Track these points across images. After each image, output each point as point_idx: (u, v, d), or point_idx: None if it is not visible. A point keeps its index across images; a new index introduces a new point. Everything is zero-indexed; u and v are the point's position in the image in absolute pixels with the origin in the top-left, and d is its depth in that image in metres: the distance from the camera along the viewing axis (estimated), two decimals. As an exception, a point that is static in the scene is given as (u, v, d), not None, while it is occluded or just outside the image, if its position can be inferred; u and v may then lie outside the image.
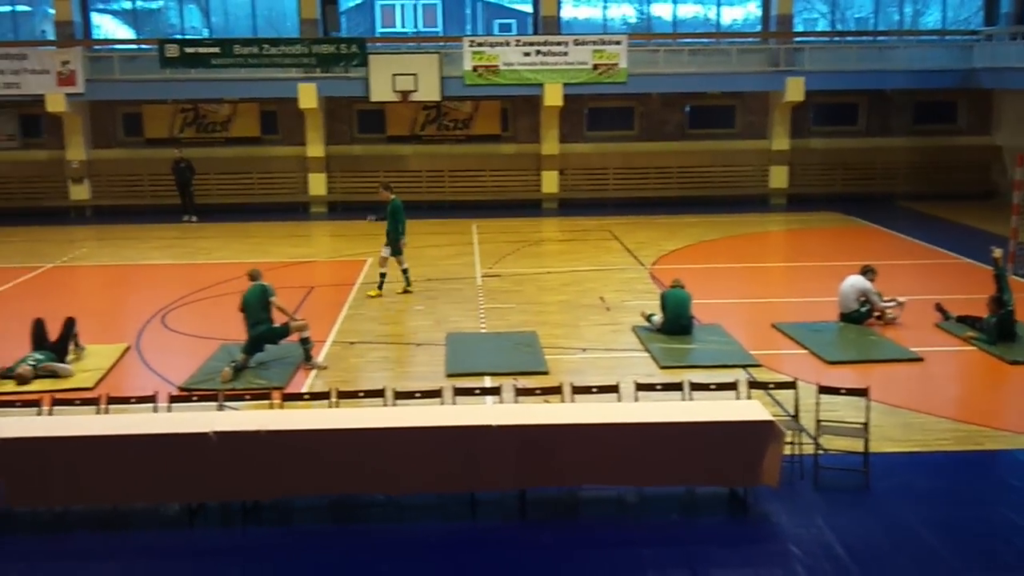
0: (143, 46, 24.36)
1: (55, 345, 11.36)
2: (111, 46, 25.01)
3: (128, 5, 25.73)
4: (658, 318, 12.54)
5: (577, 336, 12.70)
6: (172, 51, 22.60)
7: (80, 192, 24.13)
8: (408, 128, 24.57)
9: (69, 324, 11.61)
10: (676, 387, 9.02)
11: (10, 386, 10.46)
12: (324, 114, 24.02)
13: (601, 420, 8.02)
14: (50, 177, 24.18)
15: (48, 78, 22.72)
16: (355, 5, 31.11)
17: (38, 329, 11.43)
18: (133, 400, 8.83)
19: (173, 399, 8.95)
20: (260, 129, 24.47)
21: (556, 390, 9.02)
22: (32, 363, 10.88)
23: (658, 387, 9.10)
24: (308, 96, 22.81)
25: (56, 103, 22.74)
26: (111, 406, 8.68)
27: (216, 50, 22.71)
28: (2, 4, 25.24)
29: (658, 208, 23.62)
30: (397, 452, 7.88)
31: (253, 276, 11.53)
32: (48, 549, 7.71)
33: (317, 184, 24.25)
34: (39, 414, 8.61)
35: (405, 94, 22.87)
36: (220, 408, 8.65)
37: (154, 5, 26.73)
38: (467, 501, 8.13)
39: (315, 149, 24.08)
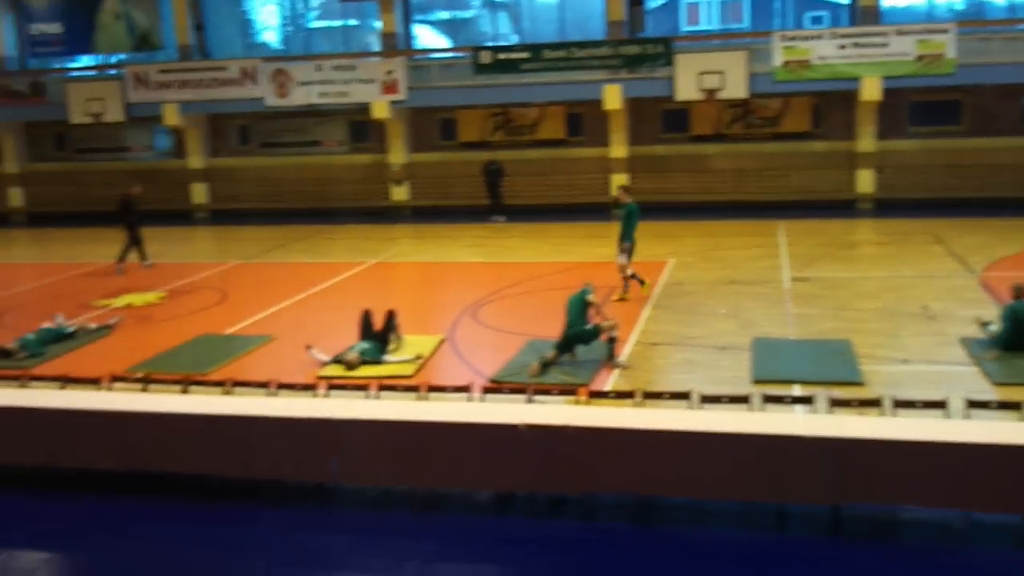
0: (458, 54, 25.66)
1: (379, 335, 12.17)
2: (429, 55, 26.58)
3: (445, 16, 27.22)
4: (995, 327, 11.43)
5: (896, 346, 11.87)
6: (485, 58, 23.63)
7: (400, 193, 25.82)
8: (713, 127, 24.17)
9: (390, 316, 12.38)
10: (1014, 406, 8.17)
11: (340, 371, 11.31)
12: (628, 115, 24.16)
13: (928, 437, 7.43)
14: (374, 179, 26.06)
15: (374, 87, 24.48)
16: (660, 5, 31.06)
17: (366, 320, 12.29)
18: (450, 389, 9.27)
19: (485, 390, 9.29)
20: (566, 131, 25.02)
21: (874, 403, 8.47)
22: (359, 351, 11.70)
23: (993, 405, 8.29)
24: (613, 97, 23.03)
25: (381, 110, 24.46)
26: (430, 393, 9.16)
27: (526, 55, 23.48)
28: (334, 19, 27.55)
29: (990, 210, 21.64)
30: (703, 456, 7.72)
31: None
32: (373, 524, 8.27)
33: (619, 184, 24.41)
34: (367, 398, 9.24)
35: (711, 92, 22.52)
36: (529, 401, 8.87)
37: (468, 14, 28.14)
38: (774, 512, 7.82)
39: (618, 150, 24.28)
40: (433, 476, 8.31)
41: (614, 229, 22.52)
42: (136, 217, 19.12)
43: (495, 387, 9.69)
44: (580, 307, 11.47)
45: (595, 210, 24.35)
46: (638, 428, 7.92)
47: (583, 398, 8.99)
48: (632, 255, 14.95)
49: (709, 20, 37.29)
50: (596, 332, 11.38)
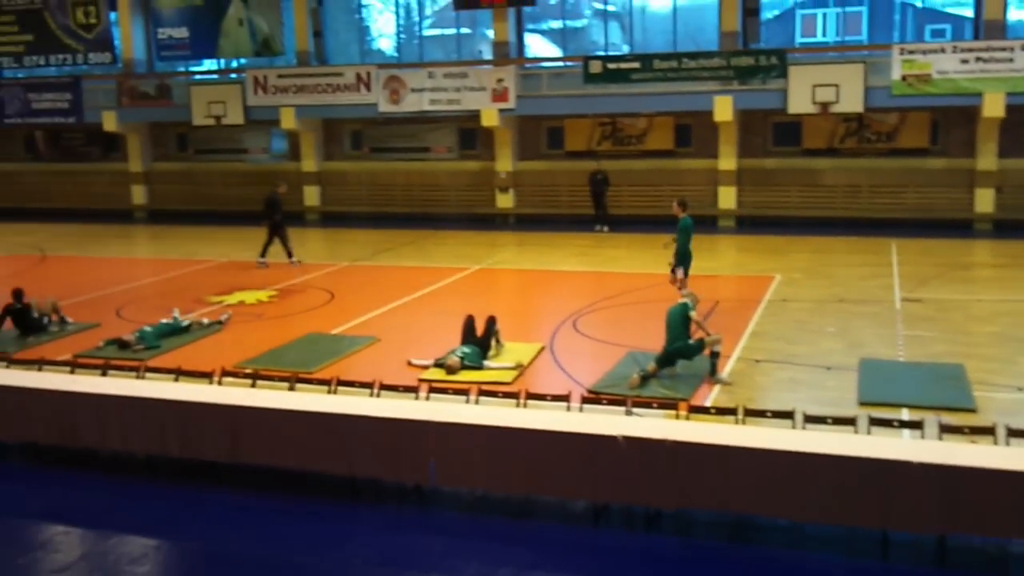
0: (568, 63, 25.73)
1: (481, 340, 12.28)
2: (539, 64, 26.71)
3: (557, 25, 27.31)
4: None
5: (1012, 372, 11.41)
6: (595, 67, 23.63)
7: (506, 200, 26.00)
8: (826, 141, 23.66)
9: (491, 322, 12.49)
10: None
11: (441, 375, 11.45)
12: (738, 127, 23.84)
13: (1045, 469, 7.12)
14: (481, 186, 26.31)
15: (484, 95, 24.72)
16: (775, 16, 30.55)
17: (469, 325, 12.42)
18: (549, 398, 9.30)
19: (584, 400, 9.30)
20: (674, 142, 24.83)
21: (987, 430, 8.16)
22: (460, 355, 11.83)
23: (1116, 438, 7.90)
24: (724, 109, 22.77)
25: (490, 118, 24.69)
26: (529, 401, 9.21)
27: (636, 65, 23.40)
28: (447, 27, 27.94)
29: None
30: (805, 477, 7.56)
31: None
32: (468, 528, 8.35)
33: (726, 197, 24.13)
34: (466, 402, 9.35)
35: (825, 106, 22.05)
36: (628, 413, 8.84)
37: (579, 24, 28.19)
38: (878, 539, 7.61)
39: (727, 162, 23.98)
40: (529, 483, 8.35)
41: (721, 241, 22.51)
42: (281, 215, 19.98)
43: (594, 398, 9.68)
44: (682, 320, 11.35)
45: (702, 222, 24.01)
46: (739, 446, 7.80)
47: (683, 413, 8.91)
48: (687, 272, 14.80)
49: (825, 32, 36.49)
50: (700, 347, 11.26)
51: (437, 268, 19.18)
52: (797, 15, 34.18)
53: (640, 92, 23.61)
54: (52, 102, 28.58)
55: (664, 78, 23.24)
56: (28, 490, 9.52)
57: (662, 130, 24.87)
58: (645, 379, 10.92)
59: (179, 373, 10.48)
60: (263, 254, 19.73)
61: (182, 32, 28.10)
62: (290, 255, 19.74)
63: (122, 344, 13.04)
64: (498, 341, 12.51)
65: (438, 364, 11.80)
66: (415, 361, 11.95)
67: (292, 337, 13.67)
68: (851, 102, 21.91)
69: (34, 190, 30.73)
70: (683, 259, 14.91)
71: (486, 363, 11.87)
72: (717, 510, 8.01)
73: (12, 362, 11.45)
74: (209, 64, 29.72)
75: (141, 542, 8.28)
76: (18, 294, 14.11)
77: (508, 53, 25.60)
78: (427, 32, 28.37)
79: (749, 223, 23.88)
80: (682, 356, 11.26)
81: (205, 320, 14.50)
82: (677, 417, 8.84)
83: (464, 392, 9.58)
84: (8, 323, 14.01)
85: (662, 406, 9.19)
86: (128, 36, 28.64)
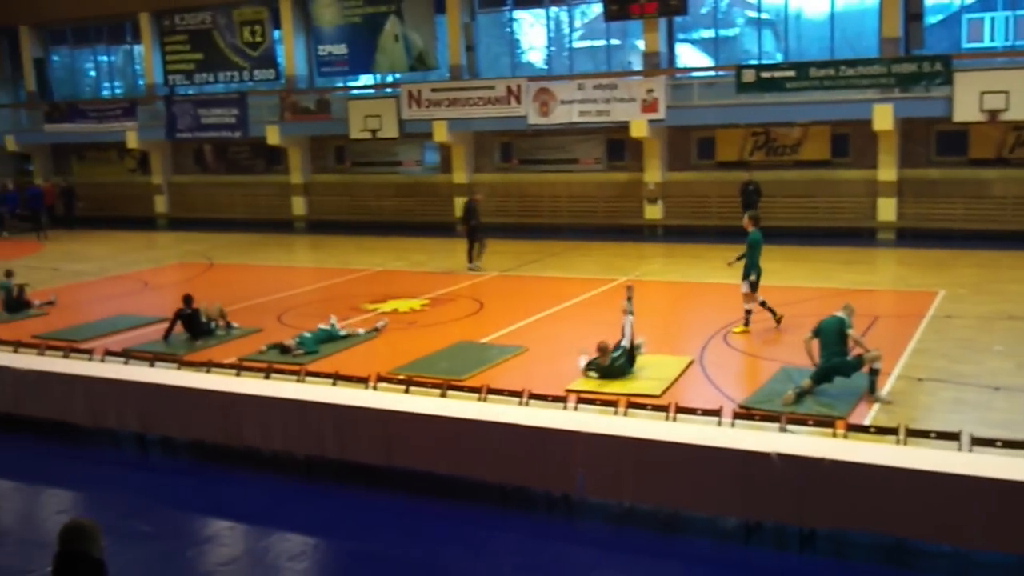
0: (720, 72, 25.35)
1: (630, 352, 12.23)
2: (690, 74, 26.42)
3: (709, 34, 26.95)
4: None
5: None
6: (748, 76, 23.21)
7: (654, 212, 25.79)
8: (995, 150, 22.48)
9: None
10: None
11: (591, 385, 11.47)
12: (899, 136, 22.95)
13: None
14: (629, 197, 26.19)
15: (633, 106, 24.61)
16: (939, 21, 29.26)
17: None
18: (699, 412, 9.18)
19: (736, 415, 9.13)
20: (830, 152, 24.11)
21: None
22: (611, 359, 11.84)
23: None
24: (883, 117, 21.96)
25: (639, 129, 24.57)
26: (678, 415, 9.11)
27: (791, 73, 22.83)
28: (597, 39, 27.97)
29: None
30: (971, 502, 7.21)
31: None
32: (616, 540, 8.33)
33: (886, 209, 23.24)
34: (615, 414, 9.33)
35: (994, 113, 20.97)
36: (782, 430, 8.63)
37: (731, 33, 27.72)
38: (1053, 571, 7.18)
39: (887, 173, 23.09)
40: (679, 498, 8.27)
41: (879, 255, 21.71)
42: (478, 221, 20.91)
43: (746, 413, 9.50)
44: (839, 336, 10.98)
45: (859, 235, 23.29)
46: (901, 467, 7.51)
47: (841, 431, 8.63)
48: (756, 287, 14.35)
49: (993, 37, 34.74)
50: (858, 364, 10.88)
51: (584, 279, 19.19)
52: (963, 19, 32.63)
53: (795, 101, 23.03)
54: (220, 117, 30.10)
55: (821, 86, 22.59)
56: (196, 486, 10.04)
57: (818, 140, 24.18)
58: (800, 396, 10.63)
59: (337, 378, 10.85)
60: (472, 259, 20.75)
61: (341, 49, 29.15)
62: (471, 260, 20.70)
63: (283, 349, 13.60)
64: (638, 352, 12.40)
65: (592, 366, 11.89)
66: (582, 360, 12.08)
67: (443, 345, 13.96)
68: (1023, 109, 20.77)
69: (202, 201, 32.42)
70: (753, 274, 14.46)
71: (636, 372, 11.85)
72: (875, 532, 7.73)
73: (182, 364, 12.12)
74: (366, 79, 30.68)
75: (300, 540, 8.62)
76: (188, 299, 14.92)
77: (659, 63, 25.42)
78: (577, 44, 28.45)
79: (910, 236, 22.92)
80: (840, 373, 10.90)
81: (361, 331, 14.95)
82: (834, 435, 8.56)
83: (612, 404, 9.56)
84: (179, 327, 14.82)
85: (818, 424, 8.91)
86: (291, 53, 29.91)
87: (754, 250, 14.46)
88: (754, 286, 14.35)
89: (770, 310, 14.50)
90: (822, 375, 10.86)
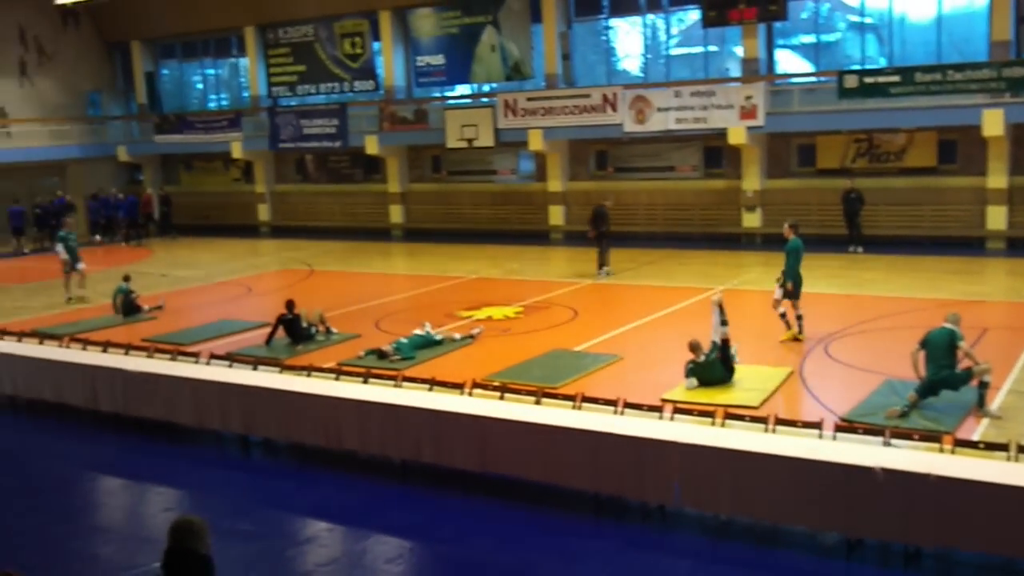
0: (822, 78, 24.84)
1: (728, 362, 12.08)
2: (790, 80, 25.95)
3: (809, 39, 26.42)
4: None
5: None
6: (851, 81, 22.68)
7: (752, 220, 25.40)
8: (1113, 156, 21.52)
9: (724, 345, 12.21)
10: None
11: (687, 395, 11.34)
12: (1010, 142, 22.13)
13: None
14: (726, 205, 25.84)
15: (731, 112, 24.29)
16: (1054, 22, 28.14)
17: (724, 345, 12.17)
18: (799, 424, 8.98)
19: (838, 428, 8.91)
20: (937, 159, 23.39)
21: None
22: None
23: None
24: (994, 123, 21.20)
25: (737, 136, 24.23)
26: (777, 427, 8.94)
27: (896, 78, 22.24)
28: (694, 46, 27.70)
29: None
30: (1091, 525, 6.89)
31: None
32: (712, 553, 8.21)
33: (996, 217, 22.43)
34: (712, 424, 9.20)
35: (1112, 118, 20.08)
36: (886, 444, 8.39)
37: (833, 38, 27.11)
38: None
39: (997, 180, 22.29)
40: (777, 511, 8.10)
41: (988, 265, 20.96)
42: (608, 227, 21.22)
43: (848, 426, 9.25)
44: (947, 348, 10.60)
45: (967, 244, 22.53)
46: (1011, 484, 7.22)
47: (948, 446, 8.34)
48: (798, 294, 14.32)
49: (1114, 36, 33.26)
50: (967, 377, 10.49)
51: (679, 288, 19.00)
52: (1081, 19, 31.31)
53: (900, 107, 22.41)
54: (321, 127, 30.77)
55: (927, 91, 21.94)
56: (296, 487, 10.26)
57: (924, 146, 23.48)
58: (906, 409, 10.32)
59: (433, 383, 10.96)
60: (601, 266, 21.03)
61: (439, 59, 29.53)
62: (601, 266, 21.00)
63: (381, 354, 13.81)
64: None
65: (692, 369, 11.86)
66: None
67: (538, 352, 13.97)
68: None
69: (304, 209, 33.19)
70: (792, 282, 14.34)
71: (736, 382, 11.66)
72: (983, 552, 7.45)
73: (284, 368, 12.40)
74: (462, 89, 30.99)
75: (396, 543, 8.72)
76: (290, 305, 15.27)
77: (757, 69, 25.05)
78: (673, 51, 28.22)
79: (1021, 245, 22.06)
80: (947, 386, 10.53)
81: (457, 335, 15.08)
82: (941, 451, 8.28)
83: (709, 414, 9.43)
84: (280, 331, 15.17)
85: (923, 438, 8.63)
86: (390, 64, 30.42)
87: (791, 257, 14.42)
88: (792, 294, 14.32)
89: (787, 324, 14.41)
90: (928, 388, 10.51)
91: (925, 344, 10.72)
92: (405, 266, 25.94)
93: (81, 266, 20.78)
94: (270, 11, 32.00)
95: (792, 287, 14.35)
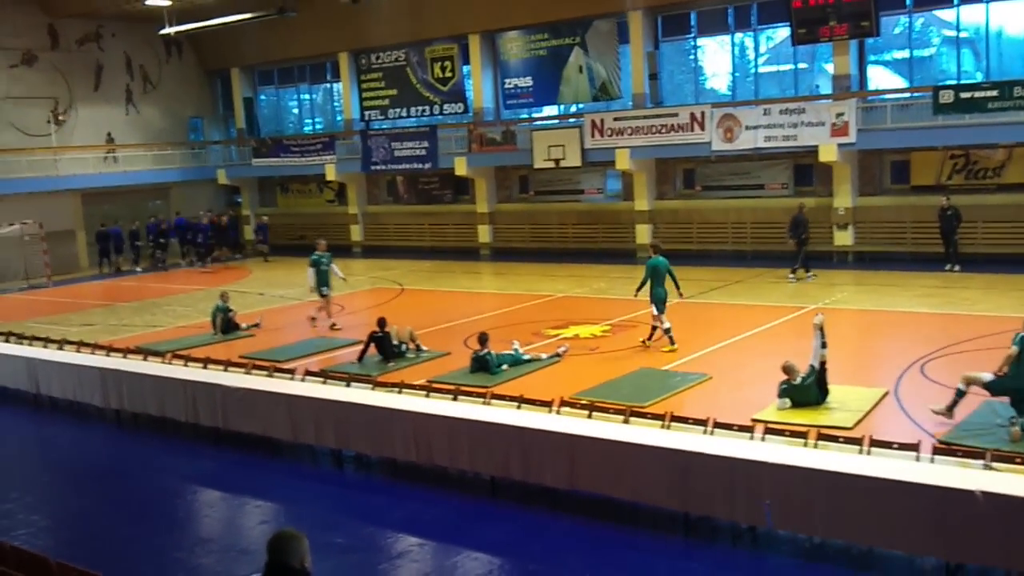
0: (915, 94, 24.33)
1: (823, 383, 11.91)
2: (882, 96, 25.46)
3: (902, 55, 25.90)
4: None
5: None
6: (946, 97, 22.19)
7: (844, 238, 24.95)
8: None
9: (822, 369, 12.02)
10: None
11: (779, 415, 11.22)
12: (1117, 157, 21.35)
13: None
14: (817, 222, 25.39)
15: (822, 130, 23.96)
16: None
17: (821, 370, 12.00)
18: (895, 446, 8.81)
19: (936, 451, 8.72)
20: (1038, 175, 22.69)
21: None
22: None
23: None
24: (1097, 137, 20.50)
25: (828, 153, 23.88)
26: (873, 448, 8.78)
27: (993, 93, 21.67)
28: (783, 63, 27.40)
29: None
30: None
31: None
32: (804, 574, 8.09)
33: (1102, 235, 21.64)
34: (804, 445, 9.08)
35: None
36: (986, 468, 8.17)
37: (927, 53, 26.53)
38: None
39: (1101, 196, 21.53)
40: (872, 534, 7.95)
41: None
42: (807, 233, 22.16)
43: (946, 448, 9.03)
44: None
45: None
46: (1120, 511, 6.98)
47: (1050, 470, 8.08)
48: (660, 309, 15.41)
49: None
50: None
51: (770, 307, 18.78)
52: None
53: (998, 122, 21.81)
54: (411, 150, 31.32)
55: (1026, 106, 21.33)
56: (388, 502, 10.44)
57: (1023, 162, 22.78)
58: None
59: (521, 401, 11.05)
60: (796, 270, 21.93)
61: (527, 81, 29.82)
62: (807, 269, 21.91)
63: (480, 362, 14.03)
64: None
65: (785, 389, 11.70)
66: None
67: (625, 371, 13.98)
68: None
69: (395, 230, 33.79)
70: (653, 297, 15.45)
71: (828, 403, 11.48)
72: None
73: (376, 384, 12.65)
74: (550, 110, 31.21)
75: (486, 559, 8.81)
76: (381, 323, 15.57)
77: (849, 86, 24.67)
78: (762, 69, 27.96)
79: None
80: None
81: (543, 355, 15.18)
82: (1044, 474, 8.03)
83: (802, 435, 9.31)
84: (372, 349, 15.47)
85: (1026, 462, 8.38)
86: (479, 87, 30.82)
87: (647, 273, 15.62)
88: (658, 308, 15.44)
89: (652, 334, 15.65)
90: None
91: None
92: (493, 285, 26.16)
93: (327, 291, 18.98)
94: (363, 37, 32.75)
95: (652, 302, 15.44)
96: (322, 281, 18.88)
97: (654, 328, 15.64)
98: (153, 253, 32.68)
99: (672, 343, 15.38)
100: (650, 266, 15.67)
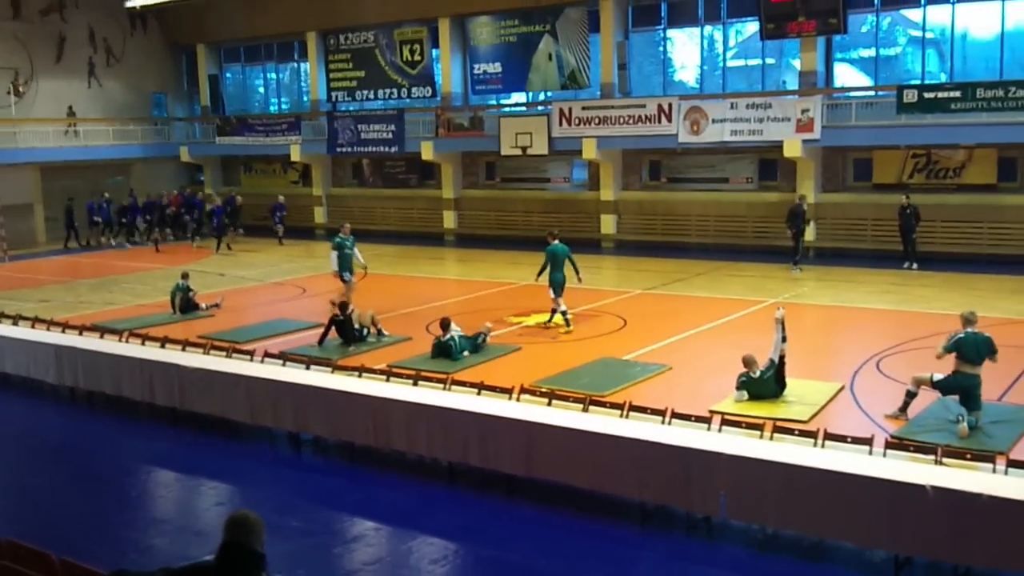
0: (880, 92, 24.58)
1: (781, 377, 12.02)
2: (847, 93, 25.70)
3: (868, 53, 26.15)
4: None
5: None
6: (910, 96, 22.44)
7: (806, 233, 25.07)
8: None
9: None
10: None
11: (736, 407, 11.32)
12: (1073, 160, 21.73)
13: None
14: (779, 217, 25.52)
15: (787, 125, 24.13)
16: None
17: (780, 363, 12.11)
18: (849, 439, 8.93)
19: (888, 445, 8.84)
20: (996, 176, 23.01)
21: None
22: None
23: None
24: (1054, 141, 20.84)
25: (792, 148, 24.07)
26: (827, 442, 8.89)
27: (957, 94, 21.95)
28: (751, 58, 27.56)
29: None
30: None
31: None
32: (757, 566, 8.20)
33: (1057, 237, 22.03)
34: (760, 437, 9.18)
35: None
36: (937, 463, 8.30)
37: (892, 52, 26.80)
38: None
39: (1059, 198, 21.90)
40: (824, 526, 8.07)
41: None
42: (805, 223, 22.61)
43: (899, 443, 9.17)
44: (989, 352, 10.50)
45: (1022, 263, 22.12)
46: (1065, 507, 7.13)
47: (1001, 466, 8.23)
48: (557, 293, 16.24)
49: None
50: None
51: (731, 300, 18.92)
52: None
53: (960, 123, 22.10)
54: (378, 133, 31.13)
55: (988, 107, 21.61)
56: (345, 486, 10.42)
57: (983, 163, 23.12)
58: (973, 429, 10.19)
59: (481, 387, 11.06)
60: (798, 261, 22.40)
61: (496, 67, 29.75)
62: (795, 263, 22.41)
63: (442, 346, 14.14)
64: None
65: (744, 385, 11.83)
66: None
67: (586, 360, 14.02)
68: None
69: (359, 213, 33.49)
70: (551, 281, 16.23)
71: (786, 397, 11.60)
72: (1033, 576, 7.35)
73: (335, 368, 12.59)
74: (518, 97, 31.15)
75: (442, 544, 8.82)
76: (343, 306, 15.48)
77: (815, 82, 24.86)
78: (730, 63, 28.09)
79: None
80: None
81: (486, 325, 15.19)
82: (994, 471, 8.18)
83: (758, 427, 9.40)
84: (333, 332, 15.39)
85: (976, 458, 8.53)
86: (447, 71, 30.69)
87: (546, 259, 16.44)
88: (555, 291, 16.22)
89: (551, 316, 16.45)
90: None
91: (959, 346, 10.63)
92: (457, 271, 26.11)
93: (349, 278, 18.31)
94: (332, 17, 32.46)
95: (551, 286, 16.20)
96: (344, 266, 18.24)
97: (553, 311, 16.37)
98: (149, 231, 32.01)
99: (568, 325, 16.14)
100: (549, 252, 16.53)
